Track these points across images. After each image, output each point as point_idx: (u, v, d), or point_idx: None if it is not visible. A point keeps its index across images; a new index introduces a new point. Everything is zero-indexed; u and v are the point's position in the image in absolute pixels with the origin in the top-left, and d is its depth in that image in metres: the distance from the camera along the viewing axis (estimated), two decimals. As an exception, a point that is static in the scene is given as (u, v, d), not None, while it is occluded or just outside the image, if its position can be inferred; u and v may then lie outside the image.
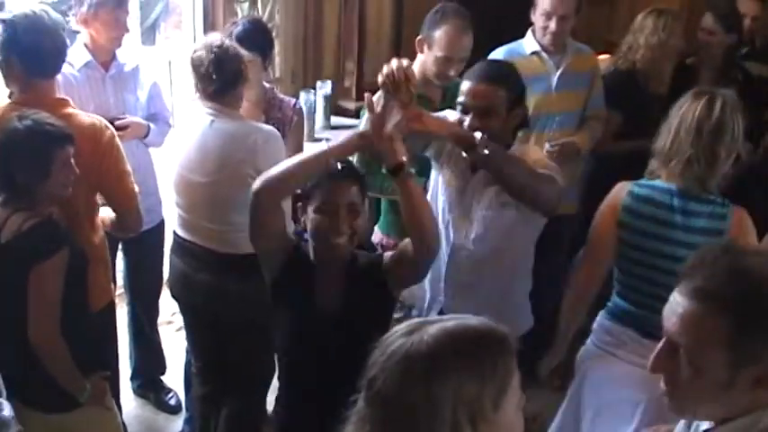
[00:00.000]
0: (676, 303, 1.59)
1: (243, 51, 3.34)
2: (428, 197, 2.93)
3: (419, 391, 1.37)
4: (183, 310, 3.68)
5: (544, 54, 3.92)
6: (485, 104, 2.72)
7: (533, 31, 3.94)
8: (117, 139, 3.17)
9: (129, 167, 3.19)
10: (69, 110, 3.10)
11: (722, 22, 4.41)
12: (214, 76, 3.22)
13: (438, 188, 2.99)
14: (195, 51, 3.30)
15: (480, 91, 2.74)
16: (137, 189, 3.22)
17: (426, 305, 3.15)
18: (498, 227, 2.85)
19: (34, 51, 2.99)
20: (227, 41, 3.31)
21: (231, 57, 3.26)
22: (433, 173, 3.04)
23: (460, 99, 2.80)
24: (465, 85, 2.80)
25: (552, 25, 3.82)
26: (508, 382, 1.42)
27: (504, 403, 1.41)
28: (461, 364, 1.38)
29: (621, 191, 2.88)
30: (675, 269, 2.70)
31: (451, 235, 2.94)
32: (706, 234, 2.74)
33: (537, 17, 3.89)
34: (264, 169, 2.84)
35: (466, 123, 2.74)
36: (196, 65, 3.26)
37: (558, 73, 3.93)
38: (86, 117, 3.14)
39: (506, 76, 2.82)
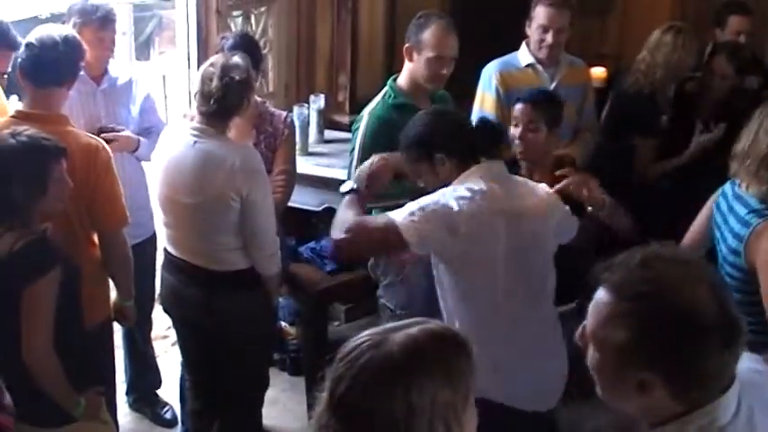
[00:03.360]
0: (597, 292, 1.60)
1: (253, 77, 3.33)
2: None
3: (398, 403, 1.36)
4: (176, 326, 3.69)
5: (539, 66, 3.94)
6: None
7: (528, 44, 3.96)
8: (113, 162, 3.19)
9: (122, 191, 3.22)
10: (68, 128, 3.15)
11: (734, 63, 4.38)
12: (214, 101, 3.20)
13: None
14: (211, 66, 3.26)
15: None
16: (128, 215, 3.25)
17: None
18: None
19: (33, 61, 3.09)
20: (243, 67, 3.26)
21: (240, 87, 3.23)
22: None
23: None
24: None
25: (549, 38, 3.85)
26: (472, 382, 1.43)
27: (470, 404, 1.43)
28: (435, 370, 1.39)
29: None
30: (720, 261, 2.86)
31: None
32: (734, 237, 2.83)
33: (533, 30, 3.90)
34: (245, 191, 3.07)
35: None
36: (205, 80, 3.22)
37: (553, 86, 3.93)
38: (84, 136, 3.18)
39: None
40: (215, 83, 3.18)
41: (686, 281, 1.53)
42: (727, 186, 2.99)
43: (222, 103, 3.21)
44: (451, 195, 2.75)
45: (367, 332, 1.45)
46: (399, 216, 2.70)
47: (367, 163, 3.16)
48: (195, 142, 3.26)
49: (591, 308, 1.59)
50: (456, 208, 2.70)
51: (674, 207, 4.19)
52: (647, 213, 4.20)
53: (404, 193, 3.60)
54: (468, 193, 2.75)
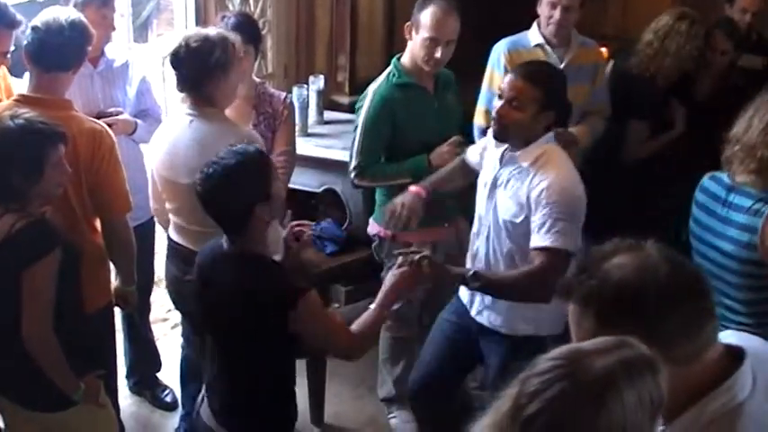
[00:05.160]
0: None
1: (221, 44, 3.21)
2: None
3: (587, 428, 1.36)
4: (182, 318, 3.67)
5: (548, 47, 3.89)
6: (515, 97, 2.92)
7: (539, 24, 3.92)
8: (117, 147, 3.18)
9: (125, 176, 3.21)
10: (72, 112, 3.14)
11: (732, 39, 4.36)
12: (176, 73, 3.20)
13: None
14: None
15: (516, 85, 2.94)
16: (131, 201, 3.25)
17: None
18: (514, 223, 2.99)
19: (38, 45, 3.08)
20: (201, 36, 3.20)
21: (193, 55, 3.17)
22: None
23: (500, 85, 3.03)
24: (507, 76, 3.03)
25: (556, 14, 3.80)
26: (659, 398, 1.41)
27: (656, 421, 1.42)
28: (627, 399, 1.36)
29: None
30: (721, 261, 2.77)
31: None
32: (742, 229, 2.75)
33: (542, 7, 3.86)
34: None
35: (496, 108, 2.97)
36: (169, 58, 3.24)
37: (562, 66, 3.86)
38: (88, 121, 3.17)
39: (547, 78, 3.01)
40: (172, 54, 3.20)
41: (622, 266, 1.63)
42: (707, 182, 2.91)
43: (179, 74, 3.20)
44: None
45: (563, 351, 1.44)
46: (558, 241, 2.82)
47: (398, 200, 3.31)
48: (191, 121, 3.24)
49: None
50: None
51: (662, 190, 4.21)
52: (636, 194, 4.22)
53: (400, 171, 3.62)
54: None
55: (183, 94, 3.30)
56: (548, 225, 2.84)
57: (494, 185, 3.05)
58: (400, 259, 2.82)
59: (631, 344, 1.42)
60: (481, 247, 3.13)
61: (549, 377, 1.38)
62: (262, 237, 2.64)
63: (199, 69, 3.19)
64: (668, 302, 1.58)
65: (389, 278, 2.80)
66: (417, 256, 2.78)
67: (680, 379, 1.59)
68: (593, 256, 1.68)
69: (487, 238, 3.10)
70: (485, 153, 3.23)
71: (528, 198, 2.90)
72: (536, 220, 2.87)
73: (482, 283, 2.88)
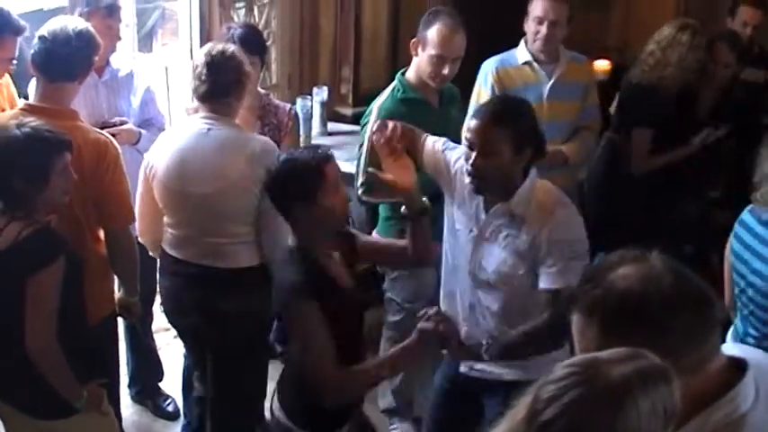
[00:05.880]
0: None
1: (245, 60, 3.29)
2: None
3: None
4: (179, 333, 3.67)
5: (536, 64, 3.88)
6: (487, 145, 2.67)
7: (526, 41, 3.92)
8: (121, 158, 3.19)
9: (129, 187, 3.22)
10: (78, 123, 3.15)
11: (735, 52, 4.37)
12: (204, 78, 3.19)
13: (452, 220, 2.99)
14: (199, 54, 3.30)
15: (484, 130, 2.69)
16: (136, 212, 3.25)
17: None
18: (511, 275, 2.80)
19: (45, 55, 3.09)
20: (231, 49, 3.27)
21: (229, 63, 3.22)
22: (447, 207, 3.02)
23: (467, 135, 2.77)
24: (471, 122, 2.78)
25: (543, 30, 3.79)
26: (673, 407, 1.42)
27: (670, 423, 1.43)
28: (642, 407, 1.37)
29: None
30: (752, 295, 2.77)
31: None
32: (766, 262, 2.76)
33: (529, 24, 3.85)
34: (262, 178, 2.90)
35: (470, 162, 2.71)
36: (194, 66, 3.26)
37: (551, 83, 3.87)
38: (93, 132, 3.17)
39: (514, 115, 2.74)
40: (201, 63, 3.21)
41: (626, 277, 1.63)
42: (746, 216, 2.88)
43: (213, 78, 3.20)
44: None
45: (579, 359, 1.45)
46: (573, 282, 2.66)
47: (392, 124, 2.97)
48: (209, 129, 3.23)
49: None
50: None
51: (662, 202, 4.22)
52: (635, 206, 4.24)
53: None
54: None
55: (197, 104, 3.30)
56: (560, 266, 2.68)
57: (480, 238, 2.84)
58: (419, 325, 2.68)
59: (646, 355, 1.44)
60: (465, 300, 2.93)
61: (565, 383, 1.38)
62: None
63: (232, 79, 3.23)
64: (672, 312, 1.59)
65: (399, 349, 2.70)
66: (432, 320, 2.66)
67: (683, 389, 1.59)
68: (598, 266, 1.68)
69: (473, 290, 2.90)
70: (454, 176, 2.95)
71: (531, 246, 2.73)
72: (547, 262, 2.70)
73: (499, 352, 2.75)
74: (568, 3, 3.82)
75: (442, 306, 2.98)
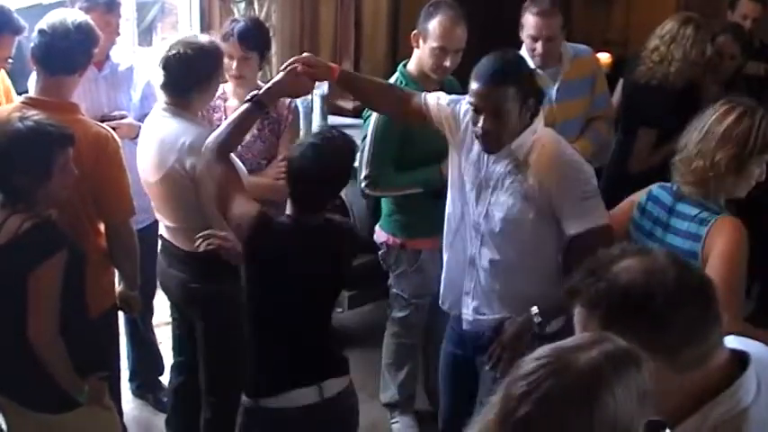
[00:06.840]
0: None
1: (223, 51, 3.34)
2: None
3: (580, 427, 1.35)
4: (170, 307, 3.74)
5: (539, 70, 3.78)
6: (496, 106, 2.71)
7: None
8: (121, 152, 3.19)
9: (129, 180, 3.23)
10: (78, 116, 3.15)
11: (740, 44, 4.36)
12: (163, 73, 3.24)
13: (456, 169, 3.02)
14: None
15: (490, 93, 2.72)
16: (135, 206, 3.26)
17: (447, 306, 3.17)
18: (519, 221, 2.84)
19: (45, 49, 3.09)
20: (195, 46, 3.25)
21: (189, 60, 3.22)
22: (453, 161, 3.05)
23: (471, 100, 2.79)
24: (473, 86, 2.77)
25: (539, 47, 3.72)
26: (646, 390, 1.41)
27: (646, 409, 1.42)
28: (617, 392, 1.36)
29: (644, 190, 2.91)
30: None
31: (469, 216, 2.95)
32: (685, 236, 2.72)
33: (524, 38, 3.79)
34: (189, 168, 3.10)
35: (479, 125, 2.74)
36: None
37: (557, 86, 3.83)
38: (93, 126, 3.18)
39: (514, 71, 2.78)
40: (165, 54, 3.25)
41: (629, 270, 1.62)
42: (656, 189, 2.87)
43: (169, 76, 3.24)
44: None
45: (545, 351, 1.43)
46: (599, 220, 2.77)
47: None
48: (162, 117, 3.30)
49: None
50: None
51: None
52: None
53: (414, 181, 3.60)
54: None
55: (162, 92, 3.36)
56: (578, 210, 2.76)
57: (483, 187, 2.89)
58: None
59: (610, 338, 1.43)
60: (467, 252, 2.97)
61: (536, 377, 1.37)
62: None
63: (186, 76, 3.25)
64: (675, 306, 1.58)
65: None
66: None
67: (685, 383, 1.59)
68: (601, 259, 1.68)
69: (473, 242, 2.95)
70: (465, 129, 2.96)
71: (540, 190, 2.78)
72: (564, 210, 2.77)
73: (549, 315, 2.77)
74: (560, 14, 3.75)
75: (445, 256, 3.09)
